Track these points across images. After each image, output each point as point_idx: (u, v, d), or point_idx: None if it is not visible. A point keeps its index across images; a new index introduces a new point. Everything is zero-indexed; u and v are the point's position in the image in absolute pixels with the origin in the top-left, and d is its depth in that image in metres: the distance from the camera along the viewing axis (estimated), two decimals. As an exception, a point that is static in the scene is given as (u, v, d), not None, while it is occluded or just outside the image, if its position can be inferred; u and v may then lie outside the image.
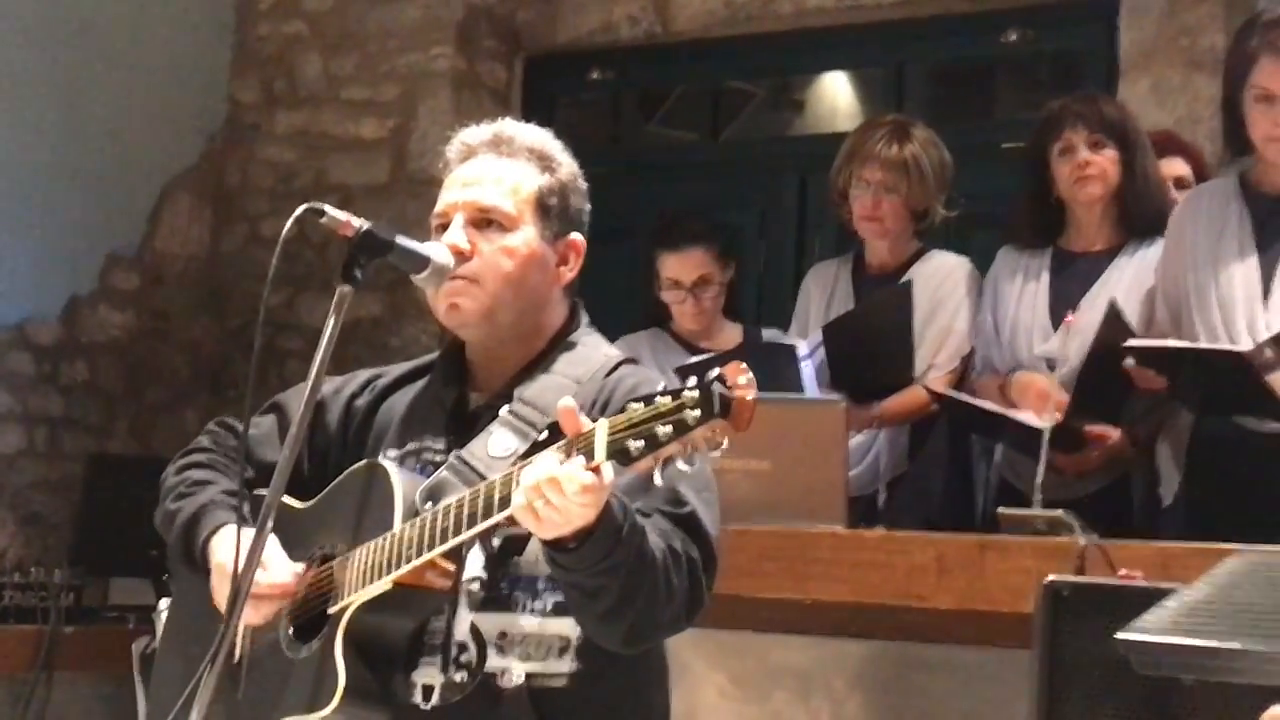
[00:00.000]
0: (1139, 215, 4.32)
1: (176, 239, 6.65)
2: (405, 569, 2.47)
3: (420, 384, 2.83)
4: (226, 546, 2.60)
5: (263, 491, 2.53)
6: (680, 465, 2.23)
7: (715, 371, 2.20)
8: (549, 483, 2.25)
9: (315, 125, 6.68)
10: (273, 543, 2.61)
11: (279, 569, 2.61)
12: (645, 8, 6.38)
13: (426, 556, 2.45)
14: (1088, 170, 4.29)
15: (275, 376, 6.27)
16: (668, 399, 2.20)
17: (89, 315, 6.35)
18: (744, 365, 2.20)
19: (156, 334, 6.57)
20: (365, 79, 6.60)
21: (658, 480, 2.27)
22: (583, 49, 6.58)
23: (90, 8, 6.27)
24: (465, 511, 2.41)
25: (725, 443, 2.21)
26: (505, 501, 2.36)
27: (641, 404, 2.22)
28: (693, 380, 2.22)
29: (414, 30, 6.51)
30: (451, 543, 2.43)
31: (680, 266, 4.80)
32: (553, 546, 2.34)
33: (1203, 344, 3.92)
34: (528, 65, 6.71)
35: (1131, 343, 4.02)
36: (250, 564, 2.41)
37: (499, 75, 6.61)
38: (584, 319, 2.80)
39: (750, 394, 2.18)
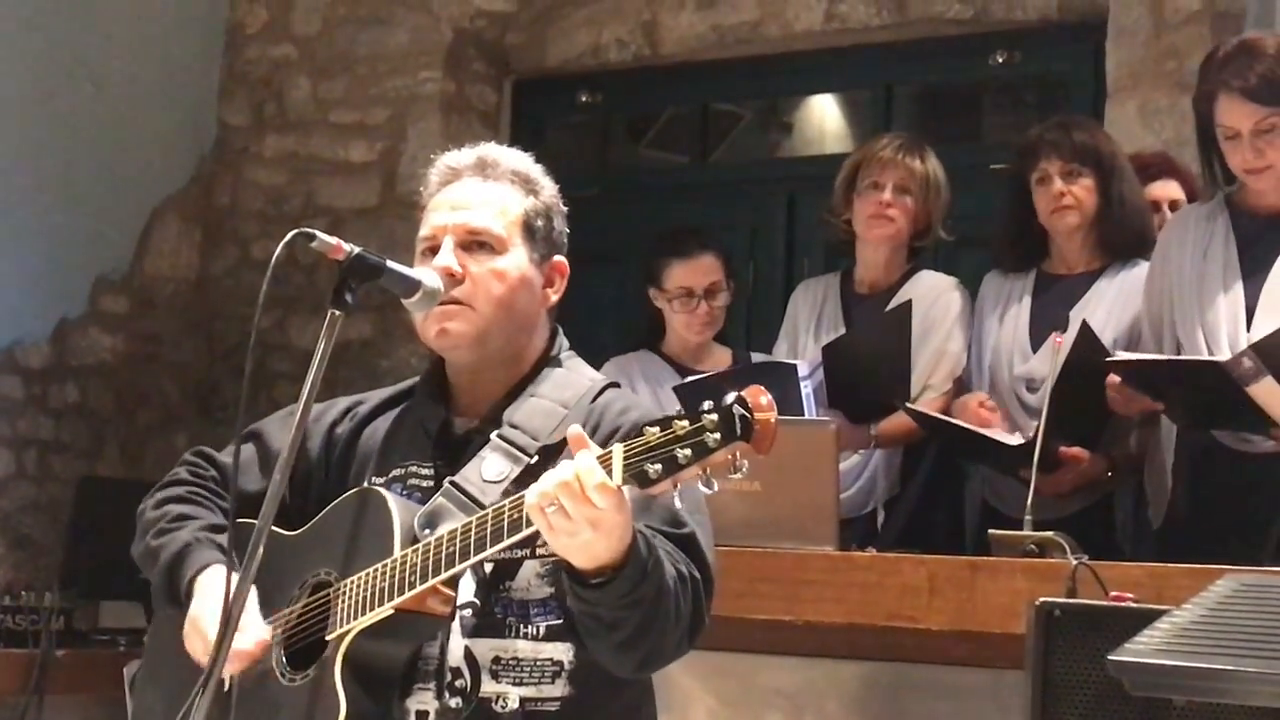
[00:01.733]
0: (1119, 240, 4.34)
1: (166, 262, 6.66)
2: (409, 594, 2.46)
3: (401, 410, 2.82)
4: (206, 592, 2.60)
5: (246, 521, 2.52)
6: (699, 488, 2.23)
7: (733, 395, 2.20)
8: (562, 486, 2.24)
9: (304, 148, 6.69)
10: (250, 600, 2.59)
11: (251, 631, 2.57)
12: (633, 31, 6.40)
13: (433, 581, 2.45)
14: (1063, 201, 4.31)
15: (265, 399, 6.26)
16: (685, 422, 2.21)
17: (79, 338, 6.35)
18: (763, 388, 2.21)
19: (146, 357, 6.57)
20: (354, 102, 6.61)
21: (677, 504, 2.28)
22: (571, 72, 6.60)
23: (79, 30, 6.27)
24: (474, 536, 2.41)
25: (745, 466, 2.22)
26: (517, 525, 2.35)
27: (658, 428, 2.22)
28: (709, 404, 2.22)
29: (403, 54, 6.52)
30: (459, 567, 2.43)
31: (692, 273, 4.80)
32: (579, 582, 2.34)
33: (1182, 356, 3.94)
34: (516, 88, 6.73)
35: (1115, 357, 4.03)
36: (234, 614, 2.40)
37: (488, 98, 6.63)
38: (564, 342, 2.81)
39: (772, 416, 2.19)
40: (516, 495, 2.38)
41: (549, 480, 2.27)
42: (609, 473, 2.24)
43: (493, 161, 2.74)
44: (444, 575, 2.44)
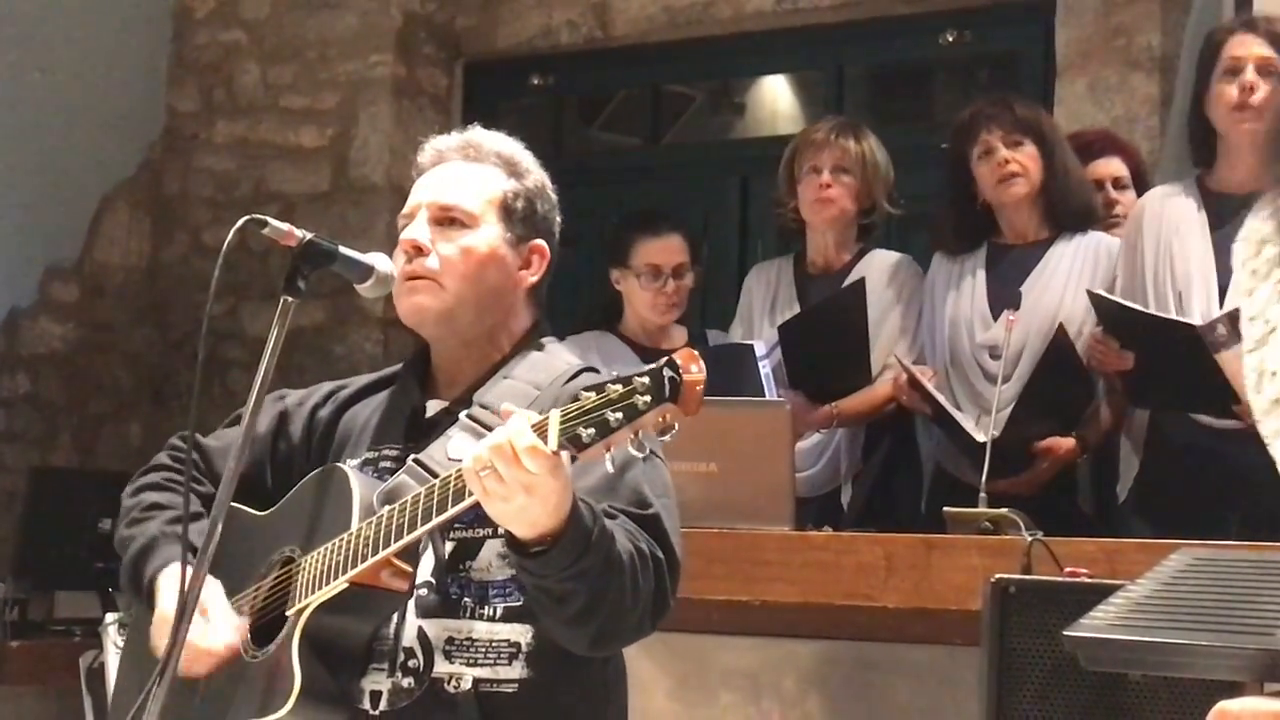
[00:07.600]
0: (1065, 211, 4.38)
1: (116, 250, 6.61)
2: (361, 568, 2.46)
3: (383, 395, 2.83)
4: (169, 593, 2.60)
5: (236, 505, 2.54)
6: (630, 450, 2.25)
7: (666, 358, 2.23)
8: (494, 449, 2.25)
9: (255, 134, 6.65)
10: (217, 593, 2.62)
11: (221, 626, 2.60)
12: (584, 13, 6.39)
13: (382, 554, 2.44)
14: (1009, 168, 4.33)
15: (218, 386, 6.25)
16: (619, 386, 2.23)
17: (29, 328, 6.31)
18: (696, 353, 2.24)
19: (98, 346, 6.53)
20: (304, 87, 6.57)
21: (608, 466, 2.29)
22: (523, 55, 6.58)
23: (27, 16, 6.22)
24: (420, 507, 2.42)
25: (676, 428, 2.24)
26: (461, 495, 2.36)
27: (594, 393, 2.24)
28: (644, 369, 2.24)
29: (353, 38, 6.49)
30: (408, 538, 2.43)
31: (662, 251, 4.81)
32: (520, 553, 2.34)
33: (1159, 312, 3.99)
34: (468, 71, 6.71)
35: (1093, 290, 4.07)
36: (183, 623, 2.40)
37: (439, 82, 6.60)
38: (547, 328, 2.83)
39: (700, 378, 2.21)
40: (460, 466, 2.38)
41: (483, 444, 2.29)
42: (545, 439, 2.25)
43: (477, 144, 2.79)
44: (394, 547, 2.43)
